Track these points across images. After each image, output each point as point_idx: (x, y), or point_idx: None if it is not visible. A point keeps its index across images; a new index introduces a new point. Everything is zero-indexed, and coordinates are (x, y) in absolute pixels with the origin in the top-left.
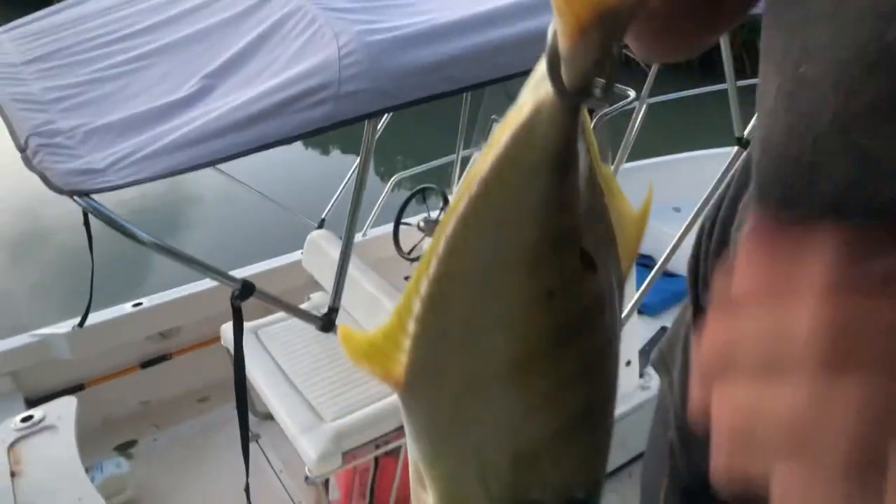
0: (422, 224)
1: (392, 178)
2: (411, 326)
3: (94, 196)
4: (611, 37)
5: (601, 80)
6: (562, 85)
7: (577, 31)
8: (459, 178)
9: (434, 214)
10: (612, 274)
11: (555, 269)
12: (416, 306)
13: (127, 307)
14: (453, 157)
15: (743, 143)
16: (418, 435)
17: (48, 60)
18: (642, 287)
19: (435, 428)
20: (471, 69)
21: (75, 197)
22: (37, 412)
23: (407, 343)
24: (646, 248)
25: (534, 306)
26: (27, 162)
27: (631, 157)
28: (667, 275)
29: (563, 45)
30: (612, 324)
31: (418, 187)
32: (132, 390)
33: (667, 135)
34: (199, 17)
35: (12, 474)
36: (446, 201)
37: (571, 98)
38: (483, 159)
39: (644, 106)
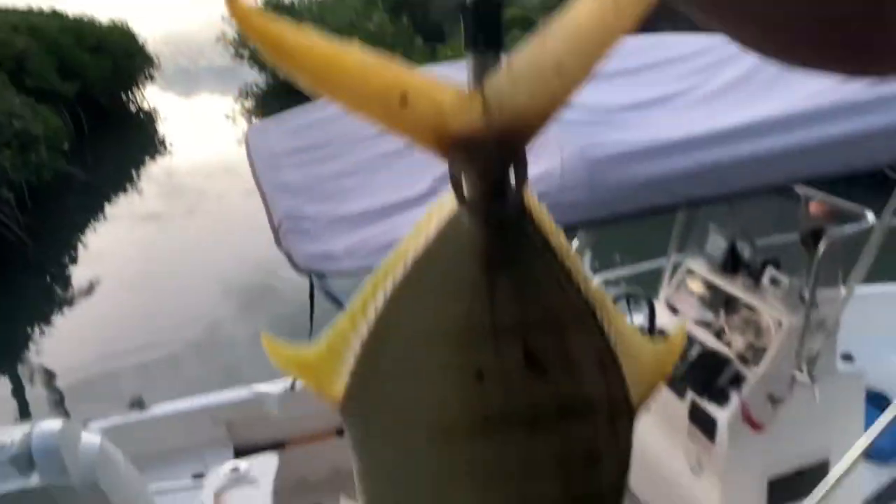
0: None
1: (595, 278)
2: (349, 360)
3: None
4: (506, 151)
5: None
6: (462, 197)
7: (459, 147)
8: (669, 284)
9: (637, 320)
10: (591, 394)
11: (486, 354)
12: (355, 344)
13: None
14: (664, 261)
15: None
16: (353, 450)
17: (305, 152)
18: (871, 429)
19: (364, 452)
20: (692, 186)
21: (312, 276)
22: (242, 464)
23: (344, 371)
24: (879, 383)
25: (460, 382)
26: (277, 242)
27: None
28: None
29: (459, 160)
30: (577, 445)
31: (624, 292)
32: (327, 456)
33: None
34: None
35: None
36: (653, 309)
37: (473, 208)
38: (415, 239)
39: (885, 228)
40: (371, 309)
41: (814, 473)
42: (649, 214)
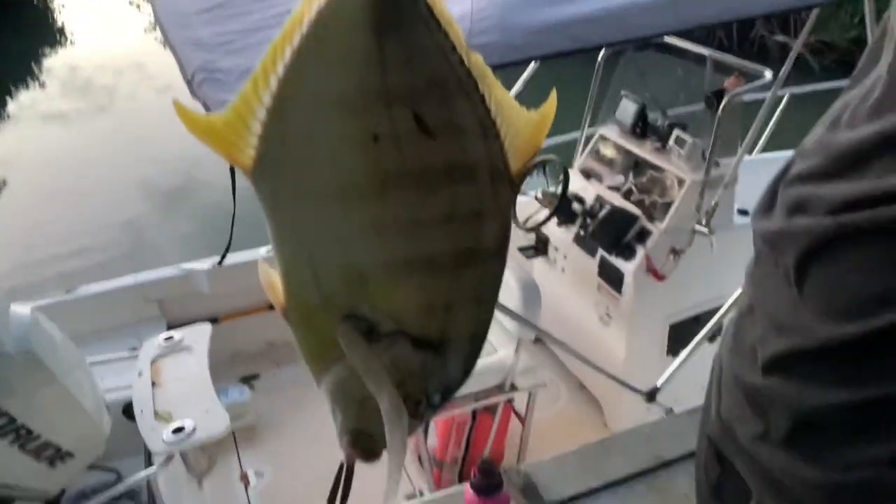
0: (540, 195)
1: None
2: (256, 126)
3: None
4: None
5: None
6: None
7: None
8: (583, 153)
9: (553, 188)
10: (474, 158)
11: (380, 117)
12: (260, 111)
13: (262, 251)
14: (577, 134)
15: None
16: (266, 215)
17: (214, 11)
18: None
19: (277, 215)
20: (598, 29)
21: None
22: (176, 334)
23: (251, 138)
24: None
25: (358, 144)
26: (192, 92)
27: (773, 149)
28: None
29: None
30: (462, 204)
31: (539, 158)
32: (259, 329)
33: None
34: None
35: (153, 384)
36: (567, 176)
37: None
38: (308, 4)
39: (785, 96)
40: (272, 76)
41: (710, 318)
42: (557, 56)
